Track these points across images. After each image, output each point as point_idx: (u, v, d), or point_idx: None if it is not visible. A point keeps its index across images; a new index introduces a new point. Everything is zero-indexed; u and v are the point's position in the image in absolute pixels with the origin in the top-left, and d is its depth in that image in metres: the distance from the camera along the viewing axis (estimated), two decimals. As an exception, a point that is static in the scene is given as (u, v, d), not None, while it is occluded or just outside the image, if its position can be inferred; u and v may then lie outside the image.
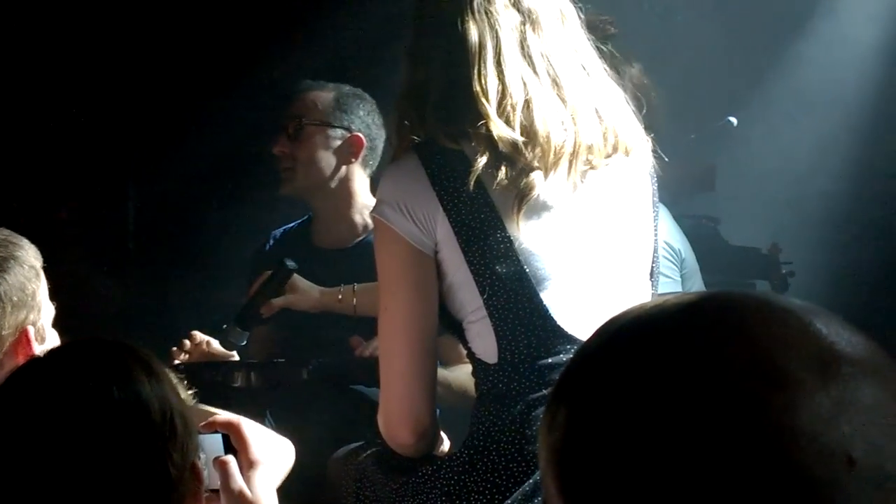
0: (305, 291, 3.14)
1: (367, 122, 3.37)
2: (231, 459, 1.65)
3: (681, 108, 3.66)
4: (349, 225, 3.37)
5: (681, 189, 2.62)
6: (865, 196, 4.55)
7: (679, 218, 3.45)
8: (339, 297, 3.11)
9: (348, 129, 3.34)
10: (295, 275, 3.16)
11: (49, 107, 4.45)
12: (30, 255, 2.07)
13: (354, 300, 3.08)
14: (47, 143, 4.46)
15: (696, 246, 3.46)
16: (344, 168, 3.35)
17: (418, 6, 2.24)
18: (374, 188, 3.34)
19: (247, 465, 1.66)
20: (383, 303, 2.18)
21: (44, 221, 4.31)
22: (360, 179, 3.37)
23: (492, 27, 2.15)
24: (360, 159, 3.35)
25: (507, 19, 2.16)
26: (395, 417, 2.17)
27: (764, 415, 0.79)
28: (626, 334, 0.88)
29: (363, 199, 3.35)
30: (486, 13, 2.16)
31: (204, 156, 4.46)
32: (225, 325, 3.16)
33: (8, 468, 1.44)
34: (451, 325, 2.19)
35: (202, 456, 1.59)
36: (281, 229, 3.54)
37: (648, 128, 2.29)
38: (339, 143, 3.34)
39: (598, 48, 2.26)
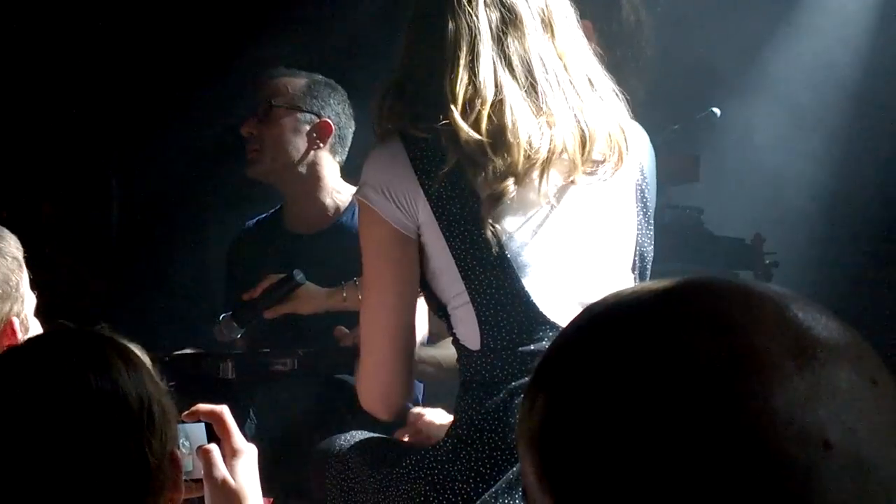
0: (311, 297, 3.14)
1: (338, 111, 3.38)
2: (214, 448, 1.66)
3: (663, 100, 3.67)
4: (320, 208, 3.37)
5: (664, 180, 2.62)
6: (849, 186, 4.57)
7: (663, 208, 3.46)
8: (344, 295, 3.10)
9: (318, 115, 3.35)
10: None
11: (33, 100, 4.43)
12: (11, 246, 2.07)
13: (360, 295, 3.07)
14: (31, 136, 4.45)
15: (679, 236, 3.47)
16: (312, 153, 3.35)
17: None
18: (345, 175, 3.36)
19: (230, 454, 1.66)
20: (365, 283, 2.22)
21: (27, 214, 4.30)
22: (328, 165, 3.37)
23: (470, 25, 2.15)
24: (328, 146, 3.35)
25: (487, 18, 2.16)
26: (371, 394, 2.23)
27: (740, 399, 0.80)
28: (604, 320, 0.89)
29: (332, 183, 3.36)
30: (467, 10, 2.15)
31: (188, 150, 4.46)
32: (222, 316, 3.16)
33: None
34: (437, 308, 2.22)
35: (185, 444, 1.59)
36: (254, 219, 3.54)
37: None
38: (307, 127, 3.34)
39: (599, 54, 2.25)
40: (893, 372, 0.85)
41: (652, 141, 2.37)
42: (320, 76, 3.43)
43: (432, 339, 2.98)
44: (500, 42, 2.15)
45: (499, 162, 2.10)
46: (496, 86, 2.12)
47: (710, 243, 4.10)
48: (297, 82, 3.38)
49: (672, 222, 3.74)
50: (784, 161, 4.56)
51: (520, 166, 2.11)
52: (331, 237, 3.30)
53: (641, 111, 2.39)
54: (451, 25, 2.15)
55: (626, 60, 3.30)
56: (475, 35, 2.14)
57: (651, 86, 3.42)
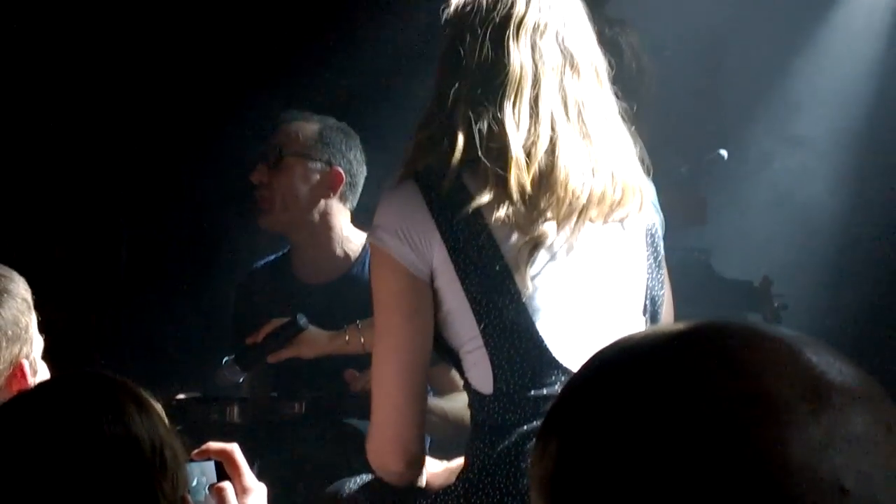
0: (314, 340, 3.11)
1: (349, 158, 3.33)
2: (228, 486, 1.66)
3: (671, 141, 3.67)
4: (331, 258, 3.34)
5: (672, 222, 2.63)
6: (860, 229, 4.56)
7: (670, 250, 3.45)
8: (347, 338, 3.08)
9: (328, 164, 3.30)
10: None
11: (45, 144, 4.45)
12: (20, 288, 2.07)
13: (362, 338, 3.04)
14: (42, 180, 4.46)
15: (687, 278, 3.46)
16: (322, 202, 3.31)
17: (456, 20, 2.18)
18: (355, 221, 3.35)
19: (241, 492, 1.67)
20: (378, 327, 2.17)
21: (38, 257, 4.30)
22: (339, 213, 3.34)
23: (535, 62, 2.12)
24: (338, 194, 3.32)
25: (551, 58, 2.14)
26: (384, 444, 2.17)
27: (755, 444, 0.79)
28: (616, 364, 0.88)
29: (344, 232, 3.33)
30: (533, 46, 2.13)
31: (197, 194, 4.47)
32: (225, 360, 3.15)
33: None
34: (447, 354, 2.19)
35: (195, 482, 1.60)
36: (261, 262, 3.51)
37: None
38: (318, 176, 3.30)
39: (616, 94, 2.24)
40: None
41: (660, 183, 2.38)
42: (333, 120, 3.39)
43: (436, 391, 2.96)
44: (560, 84, 2.14)
45: (545, 205, 2.09)
46: (552, 126, 2.11)
47: (717, 285, 4.09)
48: (309, 129, 3.34)
49: (679, 264, 3.72)
50: (793, 203, 4.56)
51: (563, 211, 2.10)
52: (341, 289, 3.27)
53: (648, 153, 2.40)
54: (516, 57, 2.11)
55: (627, 107, 3.32)
56: (539, 71, 2.12)
57: (653, 130, 3.43)
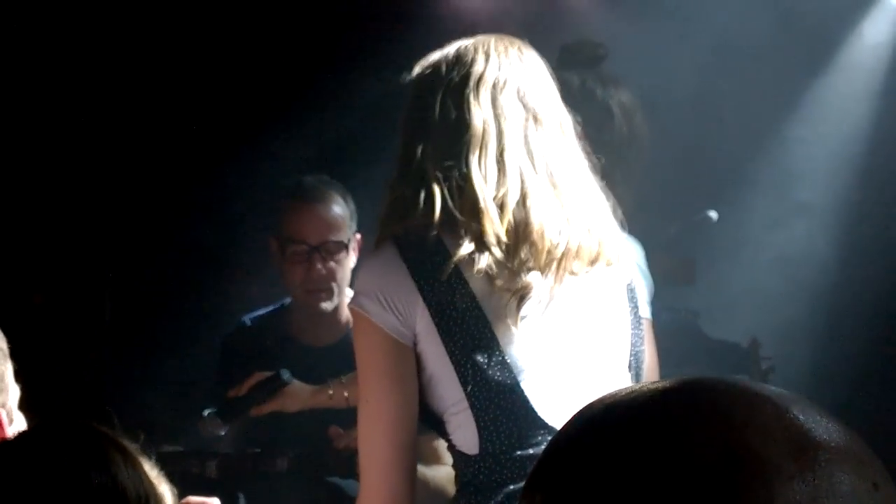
0: (297, 394, 3.11)
1: (356, 218, 3.39)
2: None
3: (660, 201, 3.68)
4: (333, 322, 3.35)
5: (660, 282, 2.62)
6: (850, 292, 4.56)
7: (659, 311, 3.45)
8: (330, 392, 3.07)
9: (355, 232, 3.37)
10: None
11: (27, 190, 4.45)
12: None
13: (346, 393, 3.04)
14: (24, 225, 4.46)
15: (675, 339, 3.45)
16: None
17: (418, 82, 2.21)
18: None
19: None
20: (363, 394, 2.16)
21: (17, 304, 4.29)
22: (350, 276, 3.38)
23: (497, 117, 2.14)
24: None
25: (513, 113, 2.15)
26: None
27: (740, 501, 0.78)
28: (601, 421, 0.87)
29: (349, 294, 3.34)
30: (493, 102, 2.15)
31: (181, 243, 4.46)
32: (207, 412, 3.13)
33: None
34: (429, 418, 2.17)
35: None
36: (252, 315, 3.50)
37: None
38: (354, 245, 3.37)
39: (587, 152, 2.25)
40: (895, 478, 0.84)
41: (648, 243, 2.38)
42: (339, 185, 3.43)
43: (420, 459, 2.94)
44: (525, 136, 2.15)
45: (525, 256, 2.09)
46: (521, 179, 2.11)
47: (706, 346, 4.08)
48: (341, 206, 3.38)
49: (668, 325, 3.71)
50: (782, 265, 4.57)
51: (543, 260, 2.10)
52: (341, 351, 3.27)
53: (636, 214, 2.40)
54: (478, 115, 2.13)
55: (615, 169, 3.33)
56: (502, 127, 2.13)
57: (644, 191, 3.44)
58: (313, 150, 4.15)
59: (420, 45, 2.29)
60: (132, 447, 1.53)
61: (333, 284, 3.34)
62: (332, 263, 3.32)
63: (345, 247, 3.33)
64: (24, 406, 2.10)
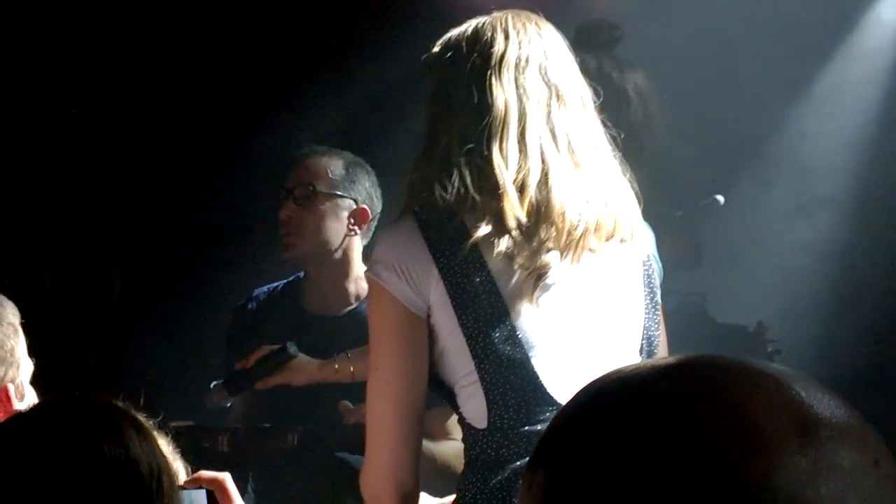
0: (303, 368, 3.12)
1: (371, 194, 3.37)
2: None
3: (667, 186, 3.68)
4: (343, 293, 3.35)
5: (667, 265, 2.63)
6: (856, 275, 4.57)
7: (666, 294, 3.46)
8: (336, 367, 3.09)
9: (355, 200, 3.34)
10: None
11: (37, 169, 4.46)
12: (8, 312, 2.07)
13: (351, 368, 3.05)
14: (33, 205, 4.47)
15: (682, 322, 3.46)
16: (347, 238, 3.34)
17: (439, 64, 2.22)
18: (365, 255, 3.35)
19: None
20: (373, 362, 2.19)
21: (27, 283, 4.30)
22: (358, 249, 3.37)
23: (520, 97, 2.15)
24: (363, 230, 3.34)
25: (535, 92, 2.16)
26: (379, 479, 2.17)
27: (742, 477, 0.80)
28: (605, 396, 0.89)
29: (358, 270, 3.34)
30: (515, 81, 2.15)
31: (191, 223, 4.48)
32: (214, 384, 3.15)
33: None
34: (441, 390, 2.20)
35: None
36: (265, 289, 3.51)
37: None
38: (346, 213, 3.33)
39: (604, 123, 2.26)
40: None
41: (655, 227, 2.39)
42: (351, 155, 3.42)
43: (429, 435, 2.95)
44: (547, 116, 2.16)
45: (544, 236, 2.11)
46: (542, 159, 2.13)
47: (711, 330, 4.10)
48: (337, 164, 3.36)
49: (675, 308, 3.72)
50: (789, 248, 4.57)
51: (563, 241, 2.12)
52: (346, 323, 3.28)
53: (644, 197, 2.41)
54: (499, 95, 2.14)
55: (630, 152, 3.35)
56: (524, 107, 2.14)
57: (654, 175, 3.44)
58: (331, 125, 4.15)
59: (438, 21, 2.29)
60: (146, 422, 1.55)
61: (297, 236, 3.31)
62: (301, 211, 3.30)
63: (316, 195, 3.30)
64: (34, 382, 2.13)
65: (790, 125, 4.62)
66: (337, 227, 3.32)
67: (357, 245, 3.36)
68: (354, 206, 3.33)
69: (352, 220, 3.33)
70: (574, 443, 0.87)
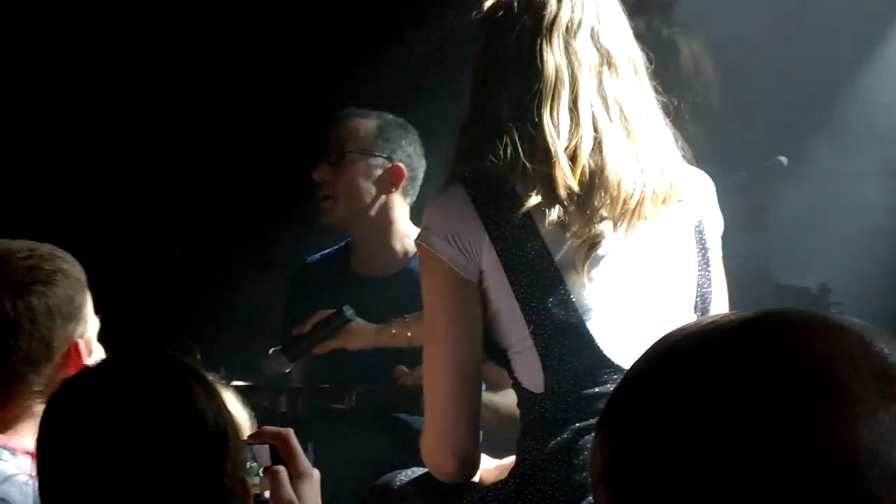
0: (360, 332, 3.12)
1: (409, 153, 3.35)
2: (282, 469, 1.67)
3: (731, 145, 3.64)
4: (390, 253, 3.35)
5: (730, 226, 2.60)
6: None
7: (729, 257, 3.42)
8: (393, 331, 3.09)
9: (389, 159, 3.32)
10: None
11: (101, 135, 4.50)
12: (76, 269, 2.10)
13: (409, 332, 3.05)
14: (97, 168, 4.52)
15: (745, 285, 3.42)
16: (384, 197, 3.32)
17: (489, 23, 2.18)
18: (413, 216, 3.34)
19: (294, 476, 1.67)
20: (428, 329, 2.18)
21: (90, 245, 4.35)
22: (399, 208, 3.35)
23: (571, 63, 2.11)
24: (399, 189, 3.33)
25: (587, 57, 2.12)
26: (438, 444, 2.16)
27: (823, 433, 0.78)
28: (680, 351, 0.87)
29: (403, 228, 3.34)
30: (567, 48, 2.12)
31: (251, 184, 4.50)
32: (272, 350, 3.17)
33: (67, 477, 1.47)
34: (495, 353, 2.18)
35: (250, 465, 1.61)
36: (318, 255, 3.52)
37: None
38: (379, 171, 3.32)
39: (655, 88, 2.23)
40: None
41: (718, 187, 2.35)
42: (391, 116, 3.40)
43: (489, 386, 2.95)
44: (599, 82, 2.12)
45: (598, 204, 2.08)
46: (595, 127, 2.10)
47: (775, 293, 4.06)
48: (369, 125, 3.35)
49: (737, 271, 3.68)
50: (854, 209, 4.51)
51: (618, 211, 2.09)
52: (399, 282, 3.27)
53: (705, 157, 2.37)
54: (550, 61, 2.10)
55: (683, 107, 3.31)
56: (575, 73, 2.11)
57: (712, 132, 3.39)
58: (395, 86, 4.14)
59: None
60: (212, 378, 1.57)
61: (332, 198, 3.32)
62: (334, 172, 3.31)
63: (347, 155, 3.30)
64: (100, 339, 2.15)
65: (863, 93, 4.54)
66: (368, 186, 3.32)
67: (397, 203, 3.34)
68: (388, 165, 3.32)
69: (386, 179, 3.32)
70: (647, 401, 0.85)
